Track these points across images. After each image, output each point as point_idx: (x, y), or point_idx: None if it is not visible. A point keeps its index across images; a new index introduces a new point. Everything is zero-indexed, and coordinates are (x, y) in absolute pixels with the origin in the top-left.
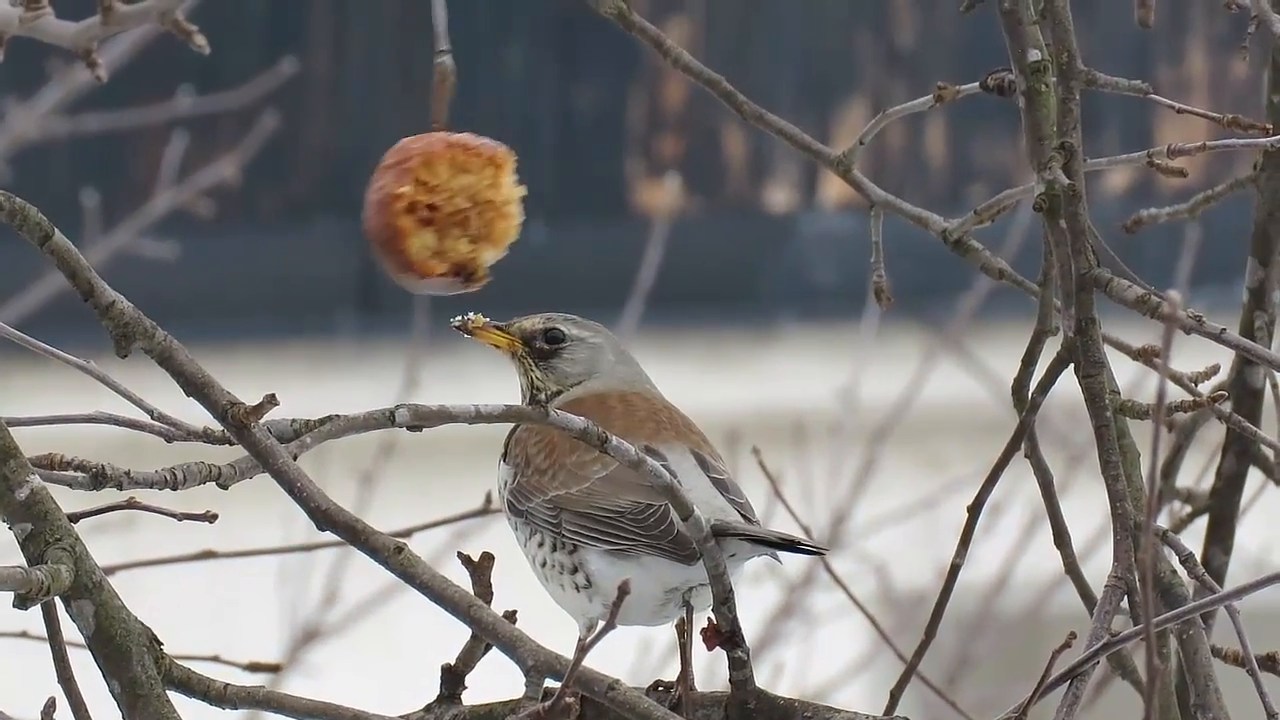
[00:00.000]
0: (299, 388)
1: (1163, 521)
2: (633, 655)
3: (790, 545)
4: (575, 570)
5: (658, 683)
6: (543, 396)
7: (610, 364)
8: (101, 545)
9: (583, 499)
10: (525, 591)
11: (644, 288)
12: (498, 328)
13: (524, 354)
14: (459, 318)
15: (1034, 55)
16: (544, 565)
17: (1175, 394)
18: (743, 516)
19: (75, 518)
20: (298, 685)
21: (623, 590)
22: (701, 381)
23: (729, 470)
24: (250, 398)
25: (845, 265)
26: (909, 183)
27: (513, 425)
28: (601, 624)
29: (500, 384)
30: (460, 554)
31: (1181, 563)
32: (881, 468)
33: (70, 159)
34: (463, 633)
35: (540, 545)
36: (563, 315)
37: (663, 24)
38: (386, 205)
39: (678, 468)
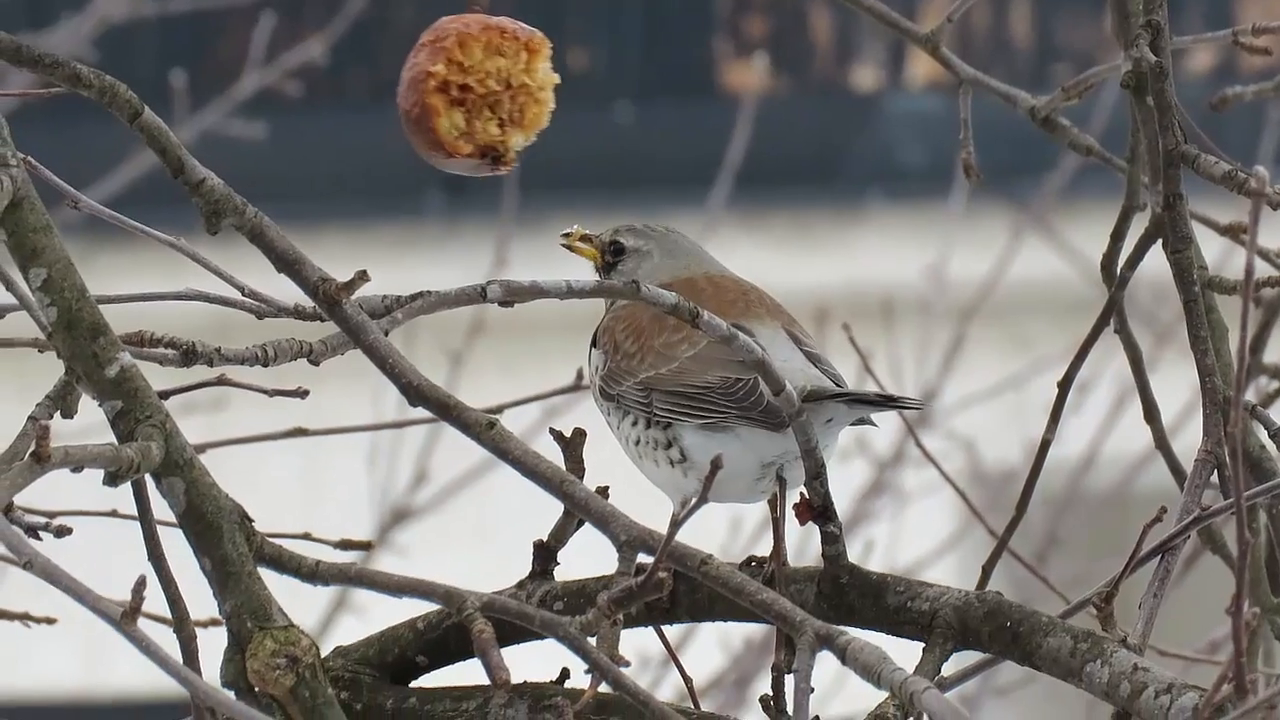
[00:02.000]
0: (386, 268)
1: (1251, 396)
2: (723, 533)
3: (887, 401)
4: (670, 445)
5: (750, 558)
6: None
7: (653, 265)
8: (192, 423)
9: (672, 378)
10: (616, 468)
11: (732, 168)
12: (588, 239)
13: (600, 266)
14: (564, 235)
15: None
16: (637, 444)
17: (1263, 269)
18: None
19: (166, 395)
20: (389, 563)
21: (715, 465)
22: (789, 260)
23: (820, 346)
24: (339, 277)
25: (932, 144)
26: (994, 64)
27: (602, 314)
28: (695, 499)
29: (587, 264)
30: (552, 430)
31: (1271, 437)
32: (969, 346)
33: (158, 40)
34: (554, 509)
35: (634, 425)
36: (629, 226)
37: None
38: (419, 83)
39: (769, 343)
